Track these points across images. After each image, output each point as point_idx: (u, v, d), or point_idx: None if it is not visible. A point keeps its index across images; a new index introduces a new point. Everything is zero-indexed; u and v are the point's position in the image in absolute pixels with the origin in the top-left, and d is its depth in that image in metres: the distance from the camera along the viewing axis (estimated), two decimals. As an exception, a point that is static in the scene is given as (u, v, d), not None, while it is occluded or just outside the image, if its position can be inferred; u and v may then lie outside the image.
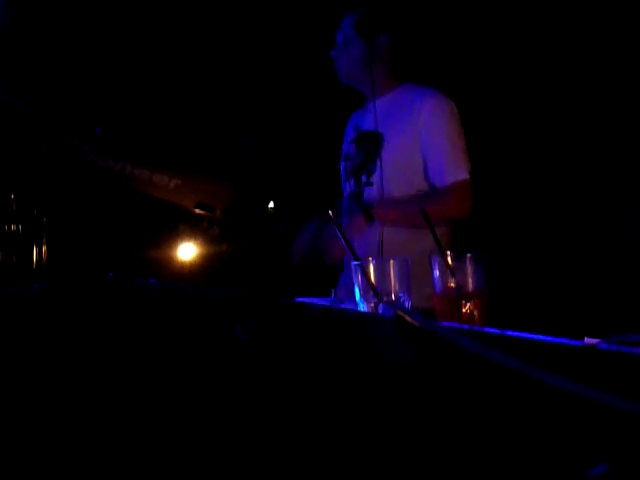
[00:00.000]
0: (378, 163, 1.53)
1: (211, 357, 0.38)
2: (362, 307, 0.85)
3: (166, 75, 2.14)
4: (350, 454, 0.21)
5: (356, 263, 0.85)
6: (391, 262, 0.84)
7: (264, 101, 2.17)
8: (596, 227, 1.92)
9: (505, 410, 0.25)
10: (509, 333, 0.56)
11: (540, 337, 0.54)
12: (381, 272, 0.84)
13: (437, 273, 0.88)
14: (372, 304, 0.83)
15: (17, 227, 0.64)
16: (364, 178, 1.57)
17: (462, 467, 0.20)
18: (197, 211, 0.96)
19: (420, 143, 1.51)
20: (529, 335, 0.57)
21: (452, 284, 0.86)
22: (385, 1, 1.70)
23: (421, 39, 1.85)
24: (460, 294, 0.85)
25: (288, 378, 0.32)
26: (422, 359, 0.35)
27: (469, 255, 0.86)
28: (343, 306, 1.01)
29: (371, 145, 1.57)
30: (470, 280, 0.86)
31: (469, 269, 0.86)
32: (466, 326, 0.80)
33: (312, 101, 2.09)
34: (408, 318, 0.42)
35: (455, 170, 1.49)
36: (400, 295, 0.84)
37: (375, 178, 1.54)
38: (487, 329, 0.63)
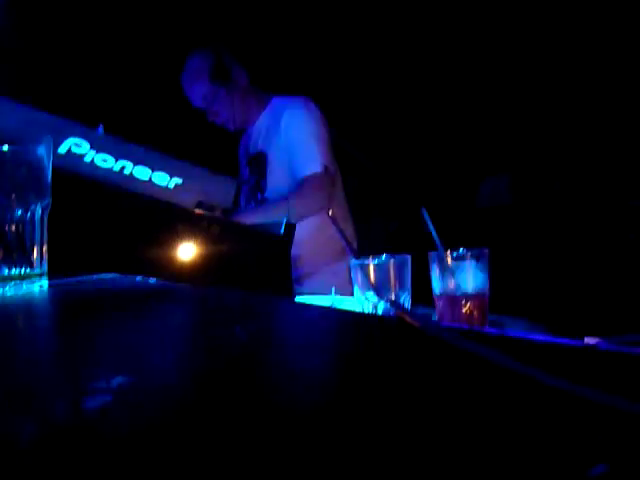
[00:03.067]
0: (267, 179, 1.64)
1: (211, 357, 0.38)
2: (362, 307, 0.85)
3: (167, 75, 2.14)
4: (350, 456, 0.21)
5: (356, 262, 0.85)
6: (391, 262, 0.85)
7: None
8: (597, 227, 1.92)
9: (506, 411, 0.25)
10: (509, 333, 0.56)
11: (540, 337, 0.54)
12: (381, 271, 0.84)
13: (437, 273, 0.88)
14: (372, 304, 0.83)
15: (18, 227, 0.65)
16: (260, 196, 1.68)
17: (462, 468, 0.20)
18: (197, 211, 0.96)
19: (287, 149, 1.61)
20: (529, 335, 0.57)
21: (452, 284, 0.86)
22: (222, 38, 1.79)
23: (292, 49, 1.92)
24: (460, 294, 0.85)
25: (288, 378, 0.32)
26: (422, 359, 0.35)
27: (469, 254, 0.86)
28: (343, 306, 1.01)
29: (259, 165, 1.69)
30: (470, 280, 0.86)
31: (469, 269, 0.86)
32: (466, 326, 0.80)
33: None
34: (408, 318, 0.42)
35: (307, 165, 1.56)
36: (400, 294, 0.84)
37: (268, 194, 1.65)
38: (487, 329, 0.63)
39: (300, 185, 1.56)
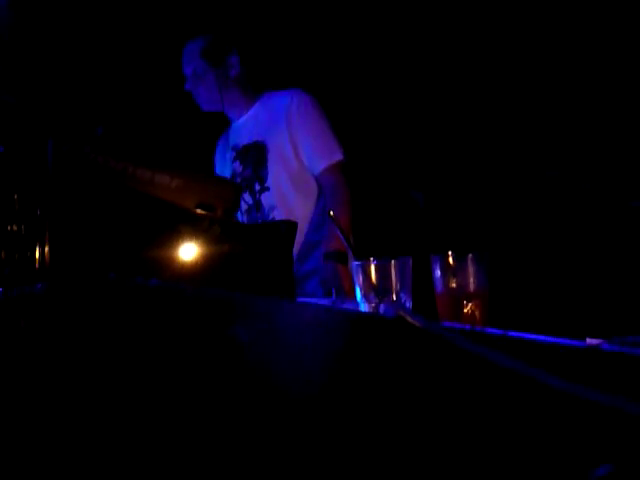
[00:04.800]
0: (268, 168, 1.64)
1: (212, 357, 0.38)
2: (363, 307, 0.85)
3: (168, 76, 2.14)
4: (350, 456, 0.21)
5: (357, 263, 0.85)
6: (392, 262, 0.84)
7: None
8: (598, 227, 1.91)
9: (507, 411, 0.25)
10: (511, 333, 0.56)
11: (542, 338, 0.54)
12: (382, 272, 0.84)
13: (438, 273, 0.88)
14: (373, 304, 0.83)
15: (20, 227, 0.65)
16: (257, 186, 1.67)
17: (464, 469, 0.20)
18: (198, 211, 0.96)
19: (295, 138, 1.62)
20: (531, 336, 0.57)
21: (453, 284, 0.86)
22: (226, 23, 1.80)
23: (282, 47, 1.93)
24: (462, 294, 0.85)
25: (289, 379, 0.32)
26: (423, 360, 0.35)
27: (470, 255, 0.86)
28: (344, 306, 1.01)
29: (256, 155, 1.68)
30: (471, 280, 0.86)
31: (471, 269, 0.86)
32: (468, 326, 0.80)
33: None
34: (409, 318, 0.42)
35: (329, 153, 1.59)
36: (401, 295, 0.84)
37: (269, 181, 1.65)
38: (489, 330, 0.63)
39: (329, 176, 1.58)
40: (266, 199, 1.66)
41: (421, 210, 1.81)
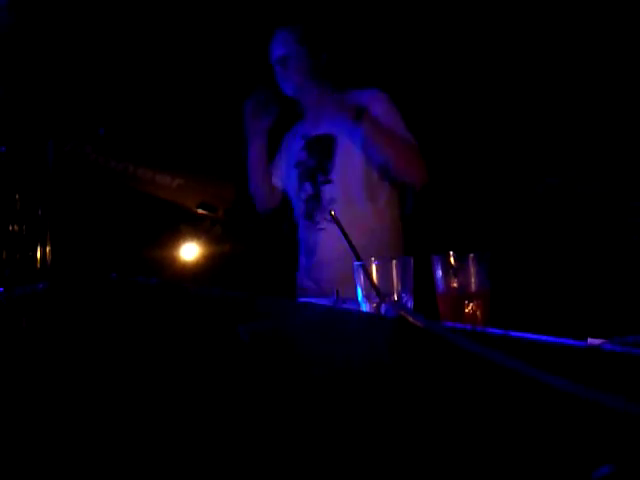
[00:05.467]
0: (335, 161, 1.66)
1: (213, 357, 0.38)
2: (364, 307, 0.85)
3: (169, 76, 2.14)
4: (352, 455, 0.21)
5: (358, 263, 0.85)
6: (393, 262, 0.84)
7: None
8: (599, 228, 1.91)
9: (508, 411, 0.25)
10: (512, 334, 0.56)
11: (543, 338, 0.54)
12: (383, 272, 0.84)
13: (440, 273, 0.88)
14: (374, 304, 0.83)
15: (21, 227, 0.65)
16: (321, 177, 1.67)
17: (466, 469, 0.20)
18: (199, 211, 0.96)
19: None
20: (532, 336, 0.57)
21: (455, 284, 0.86)
22: (323, 14, 1.81)
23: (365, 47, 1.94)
24: (463, 294, 0.85)
25: (290, 379, 0.32)
26: (425, 360, 0.35)
27: (472, 255, 0.86)
28: (345, 306, 1.01)
29: (324, 147, 1.70)
30: (473, 280, 0.86)
31: (472, 269, 0.86)
32: (469, 327, 0.80)
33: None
34: (411, 319, 0.42)
35: (405, 137, 1.62)
36: (403, 295, 0.84)
37: (333, 175, 1.66)
38: (490, 330, 0.63)
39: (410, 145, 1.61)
40: (327, 191, 1.67)
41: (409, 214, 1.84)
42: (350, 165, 1.65)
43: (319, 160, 1.70)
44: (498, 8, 2.01)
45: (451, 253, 0.87)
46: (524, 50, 2.02)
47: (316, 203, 1.68)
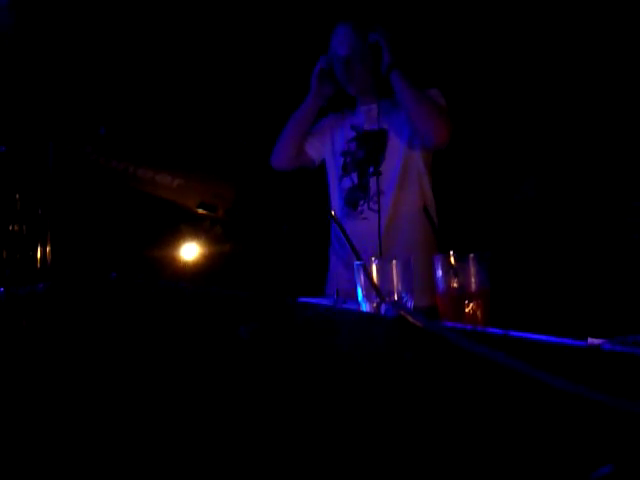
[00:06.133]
0: (386, 154, 1.73)
1: (213, 357, 0.38)
2: (365, 307, 0.85)
3: (169, 76, 2.14)
4: (351, 453, 0.21)
5: (358, 263, 0.85)
6: (394, 262, 0.84)
7: (265, 101, 2.17)
8: (599, 228, 1.91)
9: (509, 411, 0.25)
10: (512, 333, 0.56)
11: (543, 337, 0.54)
12: (384, 272, 0.84)
13: (440, 273, 0.87)
14: (375, 304, 0.83)
15: (21, 227, 0.65)
16: (371, 169, 1.73)
17: (466, 468, 0.20)
18: (200, 211, 0.96)
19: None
20: (532, 335, 0.57)
21: (455, 284, 0.86)
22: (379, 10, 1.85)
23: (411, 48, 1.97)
24: (463, 294, 0.85)
25: (290, 378, 0.32)
26: (425, 359, 0.35)
27: (472, 255, 0.86)
28: (346, 306, 1.01)
29: (376, 141, 1.77)
30: (473, 280, 0.86)
31: (472, 269, 0.86)
32: (469, 326, 0.80)
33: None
34: (411, 318, 0.42)
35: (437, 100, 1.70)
36: (403, 295, 0.84)
37: (383, 168, 1.72)
38: (490, 329, 0.63)
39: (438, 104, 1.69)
40: (375, 183, 1.72)
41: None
42: (397, 162, 1.73)
43: (369, 152, 1.77)
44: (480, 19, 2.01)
45: (451, 253, 0.87)
46: (519, 51, 2.02)
47: (362, 193, 1.73)
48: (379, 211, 1.68)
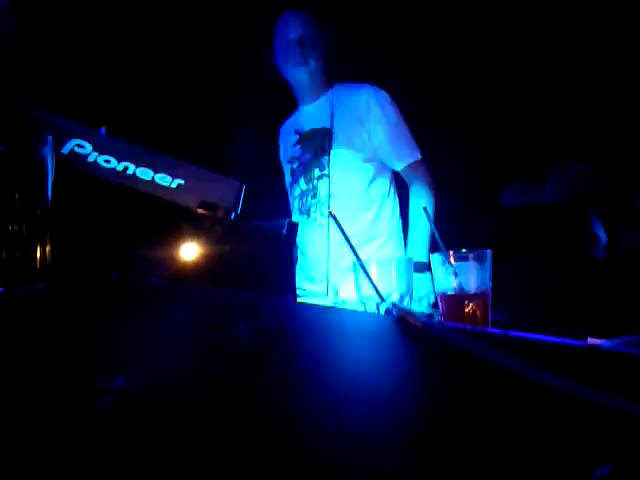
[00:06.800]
0: (332, 155, 1.61)
1: (213, 357, 0.38)
2: (364, 307, 0.85)
3: (169, 76, 2.14)
4: (351, 454, 0.21)
5: (358, 263, 0.85)
6: (393, 262, 0.84)
7: (265, 101, 2.17)
8: (598, 227, 1.91)
9: (508, 411, 0.25)
10: (512, 333, 0.56)
11: (543, 337, 0.54)
12: (383, 272, 0.84)
13: (440, 273, 0.88)
14: (374, 304, 0.83)
15: (21, 227, 0.65)
16: (317, 172, 1.63)
17: (465, 469, 0.20)
18: (200, 211, 0.96)
19: (369, 133, 1.60)
20: (532, 335, 0.57)
21: (455, 284, 0.86)
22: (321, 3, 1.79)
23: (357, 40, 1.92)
24: (463, 294, 0.85)
25: (290, 379, 0.32)
26: (424, 360, 0.35)
27: (472, 255, 0.86)
28: (345, 306, 1.01)
29: (320, 140, 1.64)
30: (473, 280, 0.86)
31: (472, 269, 0.86)
32: (469, 327, 0.80)
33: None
34: (410, 318, 0.42)
35: (410, 152, 1.62)
36: (403, 295, 0.84)
37: (330, 169, 1.61)
38: (490, 330, 0.63)
39: (415, 172, 1.61)
40: (324, 186, 1.63)
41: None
42: (345, 160, 1.61)
43: (315, 154, 1.66)
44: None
45: (451, 253, 0.87)
46: (520, 48, 2.02)
47: (313, 199, 1.64)
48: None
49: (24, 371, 0.36)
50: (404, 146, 1.62)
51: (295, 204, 1.71)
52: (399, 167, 1.64)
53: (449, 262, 0.86)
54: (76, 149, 0.90)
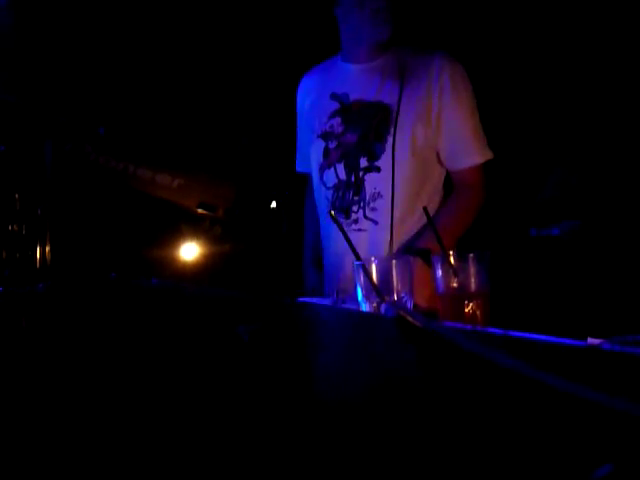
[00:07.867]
0: (389, 143, 1.21)
1: (213, 357, 0.38)
2: (364, 307, 0.85)
3: (168, 76, 2.14)
4: (350, 455, 0.21)
5: (358, 263, 0.85)
6: (393, 262, 0.84)
7: (265, 101, 2.17)
8: (599, 227, 1.91)
9: (508, 411, 0.25)
10: (512, 333, 0.56)
11: (543, 338, 0.54)
12: (383, 272, 0.84)
13: (440, 273, 0.88)
14: (374, 304, 0.83)
15: (21, 227, 0.65)
16: (364, 162, 1.23)
17: (465, 468, 0.20)
18: (200, 211, 0.96)
19: (436, 117, 1.22)
20: (532, 335, 0.57)
21: (455, 284, 0.86)
22: None
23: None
24: (463, 294, 0.85)
25: (290, 379, 0.32)
26: (424, 360, 0.35)
27: (472, 255, 0.86)
28: (345, 306, 1.01)
29: (373, 120, 1.23)
30: (473, 280, 0.86)
31: (472, 269, 0.86)
32: (469, 327, 0.80)
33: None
34: (410, 318, 0.42)
35: (481, 150, 1.25)
36: (402, 295, 0.84)
37: (383, 162, 1.22)
38: (490, 330, 0.63)
39: (469, 181, 1.25)
40: (372, 182, 1.23)
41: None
42: (405, 153, 1.21)
43: (363, 136, 1.24)
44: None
45: (451, 253, 0.87)
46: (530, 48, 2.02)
47: (355, 195, 1.24)
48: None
49: (24, 370, 0.36)
50: (475, 139, 1.23)
51: (328, 195, 1.29)
52: (458, 166, 1.25)
53: (449, 262, 0.86)
54: (76, 149, 0.90)
